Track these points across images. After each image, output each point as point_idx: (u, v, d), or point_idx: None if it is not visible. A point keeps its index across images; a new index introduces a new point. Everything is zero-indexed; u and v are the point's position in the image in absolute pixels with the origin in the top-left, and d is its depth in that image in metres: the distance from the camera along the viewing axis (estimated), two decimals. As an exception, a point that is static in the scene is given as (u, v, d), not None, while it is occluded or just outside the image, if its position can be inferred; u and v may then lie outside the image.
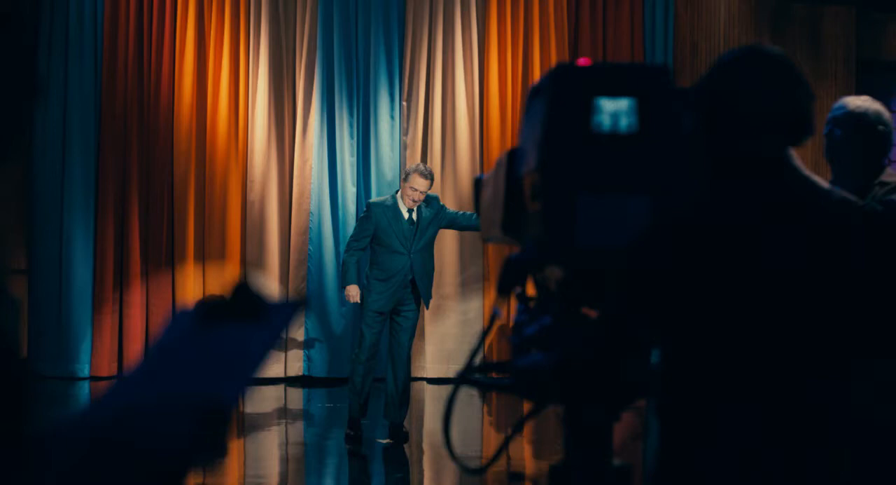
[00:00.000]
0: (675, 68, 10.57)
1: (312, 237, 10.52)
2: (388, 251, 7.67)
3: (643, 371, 2.41)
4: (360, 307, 7.86)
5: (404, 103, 10.63)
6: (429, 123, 10.70)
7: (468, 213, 8.00)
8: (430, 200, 7.85)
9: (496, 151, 10.61)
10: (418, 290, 7.75)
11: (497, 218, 2.80)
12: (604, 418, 2.49)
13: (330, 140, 10.60)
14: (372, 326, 7.70)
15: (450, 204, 10.40)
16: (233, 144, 10.50)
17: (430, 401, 9.90)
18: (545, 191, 2.52)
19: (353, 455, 7.59)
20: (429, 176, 7.70)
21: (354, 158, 10.61)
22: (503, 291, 2.57)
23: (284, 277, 10.54)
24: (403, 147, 10.63)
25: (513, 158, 2.77)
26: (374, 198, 8.45)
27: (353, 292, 7.73)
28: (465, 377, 2.54)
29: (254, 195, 10.53)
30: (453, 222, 7.95)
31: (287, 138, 10.61)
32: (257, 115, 10.53)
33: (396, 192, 7.86)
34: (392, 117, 10.62)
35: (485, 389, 2.66)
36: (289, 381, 10.46)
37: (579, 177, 2.51)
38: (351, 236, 7.98)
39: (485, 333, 2.61)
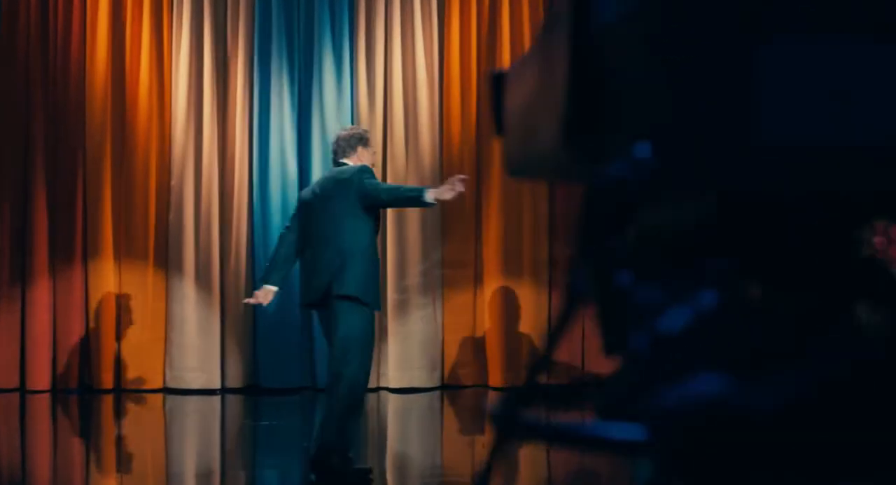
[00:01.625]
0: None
1: (256, 233, 9.11)
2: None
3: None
4: (364, 309, 5.95)
5: (358, 79, 9.23)
6: (388, 104, 9.31)
7: None
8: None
9: (457, 132, 9.27)
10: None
11: (553, 117, 1.48)
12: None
13: (266, 121, 9.20)
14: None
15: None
16: (155, 121, 9.08)
17: (395, 415, 8.53)
18: (681, 37, 1.19)
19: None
20: None
21: (296, 146, 9.21)
22: (588, 239, 1.27)
23: (221, 278, 9.11)
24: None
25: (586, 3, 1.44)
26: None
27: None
28: (521, 423, 1.21)
29: (175, 180, 9.11)
30: None
31: (217, 117, 9.18)
32: (179, 90, 9.12)
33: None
34: (340, 94, 9.21)
35: (570, 444, 1.23)
36: (231, 391, 9.05)
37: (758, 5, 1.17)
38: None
39: (562, 323, 1.29)
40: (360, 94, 9.23)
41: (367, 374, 5.92)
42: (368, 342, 5.83)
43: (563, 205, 9.26)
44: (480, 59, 9.34)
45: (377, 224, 5.98)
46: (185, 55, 9.09)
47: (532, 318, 9.24)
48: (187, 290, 9.01)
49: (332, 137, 8.98)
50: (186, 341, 9.01)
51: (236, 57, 9.15)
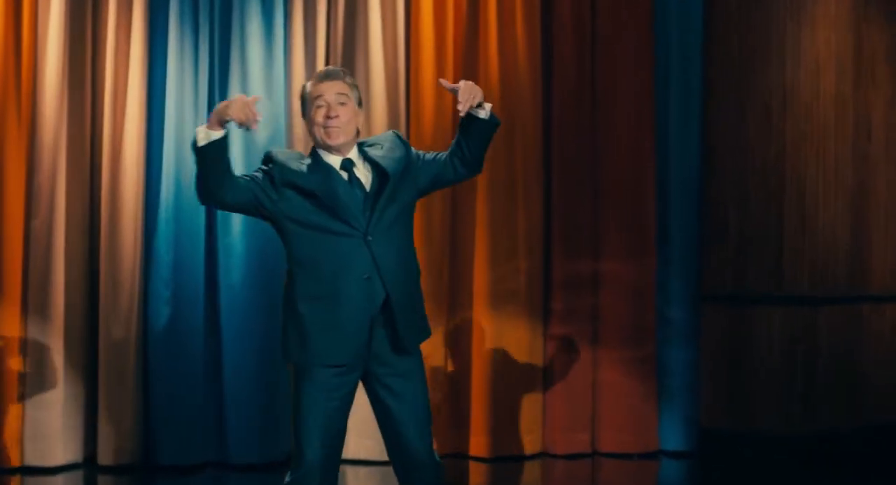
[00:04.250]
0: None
1: (160, 254, 6.64)
2: (320, 234, 4.16)
3: None
4: (292, 373, 4.25)
5: (293, 42, 6.81)
6: (330, 60, 6.85)
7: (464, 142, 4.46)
8: (386, 143, 4.39)
9: (429, 119, 6.83)
10: (394, 316, 4.17)
11: None
12: None
13: (179, 99, 6.72)
14: (323, 401, 4.20)
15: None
16: (11, 102, 6.58)
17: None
18: None
19: None
20: (334, 74, 4.34)
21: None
22: None
23: (99, 316, 6.64)
24: (289, 112, 6.76)
25: None
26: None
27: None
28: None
29: (42, 187, 6.62)
30: (444, 168, 4.43)
31: (100, 97, 6.71)
32: (48, 61, 6.60)
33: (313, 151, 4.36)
34: (270, 62, 6.76)
35: None
36: (113, 469, 6.57)
37: None
38: None
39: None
40: (294, 61, 6.79)
41: None
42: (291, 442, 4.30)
43: (563, 207, 6.94)
44: (459, 30, 6.95)
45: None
46: (56, 15, 6.60)
47: (524, 366, 6.89)
48: (53, 332, 6.54)
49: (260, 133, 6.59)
50: (53, 404, 6.55)
51: (127, 16, 6.68)
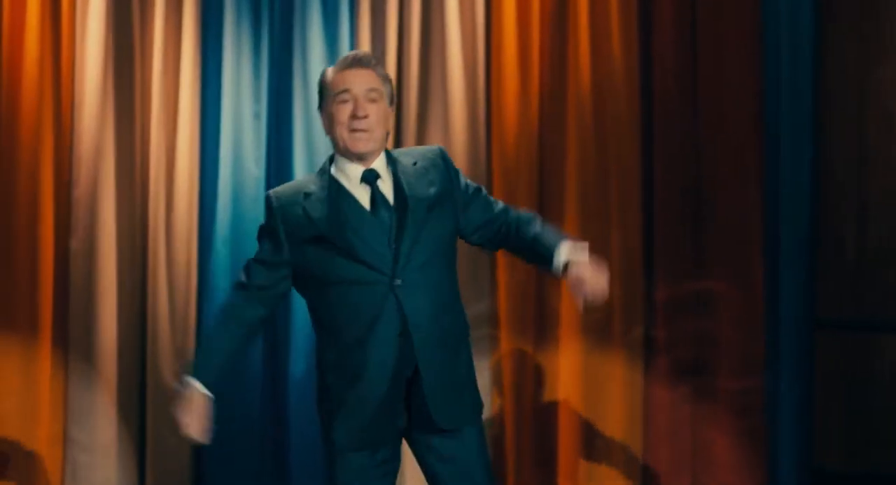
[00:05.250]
0: None
1: (216, 280, 6.03)
2: (336, 287, 3.48)
3: None
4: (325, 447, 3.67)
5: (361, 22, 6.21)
6: (403, 58, 6.21)
7: (524, 214, 3.84)
8: (421, 160, 3.64)
9: (511, 121, 6.19)
10: (423, 392, 3.49)
11: None
12: None
13: (237, 101, 6.16)
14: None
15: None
16: (49, 106, 6.00)
17: None
18: None
19: None
20: (365, 61, 3.57)
21: (269, 139, 6.16)
22: None
23: (147, 345, 6.03)
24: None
25: None
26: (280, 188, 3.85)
27: (192, 405, 3.57)
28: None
29: (80, 202, 6.04)
30: (492, 222, 3.77)
31: (148, 100, 6.12)
32: (88, 60, 6.01)
33: (329, 161, 3.65)
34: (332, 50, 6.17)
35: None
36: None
37: None
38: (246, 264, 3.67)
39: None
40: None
41: None
42: None
43: (663, 226, 6.30)
44: (545, 16, 6.30)
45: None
46: (97, 7, 6.02)
47: (620, 400, 6.25)
48: (102, 366, 5.98)
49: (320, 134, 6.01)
50: (97, 442, 5.97)
51: (178, 10, 6.11)
